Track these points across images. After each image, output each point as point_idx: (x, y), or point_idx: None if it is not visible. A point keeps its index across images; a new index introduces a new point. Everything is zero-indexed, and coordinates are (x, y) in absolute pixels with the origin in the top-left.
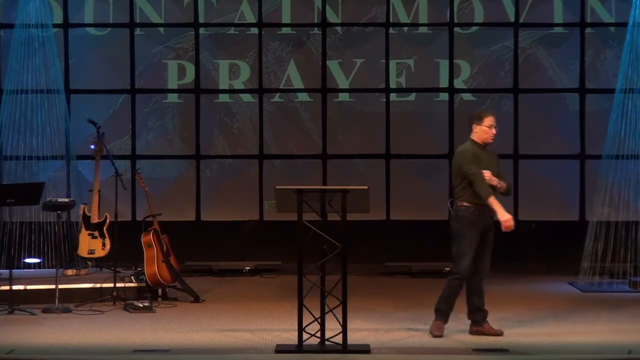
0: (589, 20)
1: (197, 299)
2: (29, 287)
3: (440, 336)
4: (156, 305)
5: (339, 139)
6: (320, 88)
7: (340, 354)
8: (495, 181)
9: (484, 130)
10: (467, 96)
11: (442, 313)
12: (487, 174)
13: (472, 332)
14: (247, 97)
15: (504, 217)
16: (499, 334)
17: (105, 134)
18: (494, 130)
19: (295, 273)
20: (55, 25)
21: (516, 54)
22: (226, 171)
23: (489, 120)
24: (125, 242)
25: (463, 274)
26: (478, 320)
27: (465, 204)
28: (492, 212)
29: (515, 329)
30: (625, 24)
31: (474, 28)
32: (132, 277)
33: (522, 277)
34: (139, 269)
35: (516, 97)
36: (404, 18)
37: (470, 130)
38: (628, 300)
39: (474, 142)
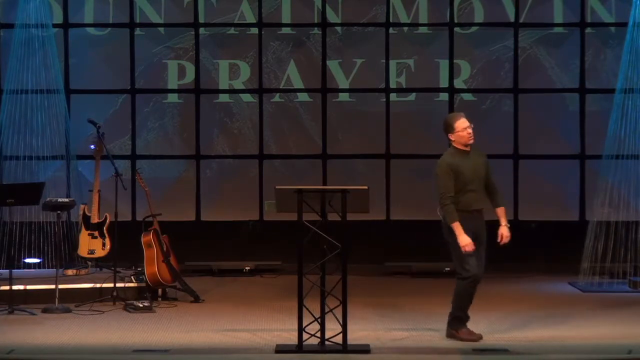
0: (589, 20)
1: (197, 299)
2: (29, 287)
3: (478, 338)
4: (156, 305)
5: (339, 139)
6: (320, 88)
7: (340, 354)
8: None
9: (460, 136)
10: (467, 96)
11: (461, 320)
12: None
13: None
14: (247, 97)
15: (463, 241)
16: (476, 339)
17: (105, 134)
18: (469, 130)
19: (295, 273)
20: (55, 25)
21: (516, 54)
22: (226, 171)
23: (461, 124)
24: (125, 242)
25: (473, 274)
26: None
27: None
28: (482, 216)
29: (516, 329)
30: (625, 24)
31: (474, 28)
32: (132, 277)
33: (522, 277)
34: (139, 269)
35: (516, 97)
36: (404, 18)
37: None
38: (628, 300)
39: (455, 148)
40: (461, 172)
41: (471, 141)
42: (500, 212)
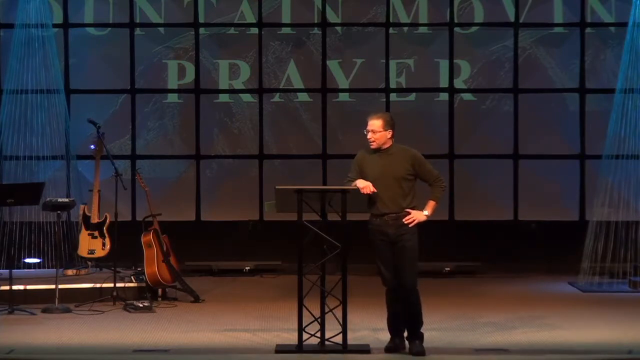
0: (589, 20)
1: (197, 299)
2: (29, 287)
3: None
4: (156, 305)
5: (339, 139)
6: (320, 88)
7: (340, 354)
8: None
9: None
10: (467, 96)
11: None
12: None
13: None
14: (247, 97)
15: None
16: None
17: (105, 134)
18: (368, 135)
19: (295, 273)
20: (55, 25)
21: (516, 54)
22: (226, 171)
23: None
24: (125, 242)
25: (383, 283)
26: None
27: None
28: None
29: (516, 329)
30: (625, 24)
31: (474, 28)
32: (132, 277)
33: (522, 277)
34: (139, 269)
35: (516, 97)
36: (404, 18)
37: None
38: (628, 300)
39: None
40: (365, 172)
41: (372, 147)
42: (428, 203)
